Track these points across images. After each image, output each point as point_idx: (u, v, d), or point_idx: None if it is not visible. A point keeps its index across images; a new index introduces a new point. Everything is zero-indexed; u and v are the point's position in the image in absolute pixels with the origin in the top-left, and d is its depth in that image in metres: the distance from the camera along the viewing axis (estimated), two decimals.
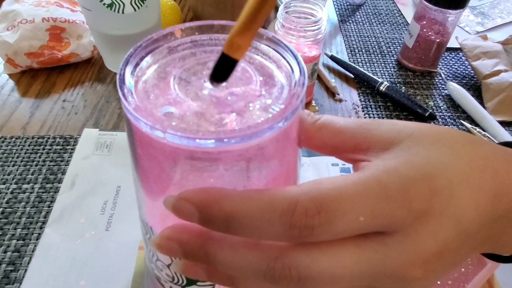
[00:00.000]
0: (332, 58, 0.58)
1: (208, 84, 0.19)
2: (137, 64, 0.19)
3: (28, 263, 0.34)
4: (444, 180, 0.17)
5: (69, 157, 0.43)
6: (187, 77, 0.19)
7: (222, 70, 0.18)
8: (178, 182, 0.18)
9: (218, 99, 0.18)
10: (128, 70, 0.18)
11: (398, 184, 0.17)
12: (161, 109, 0.18)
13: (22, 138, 0.45)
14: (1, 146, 0.44)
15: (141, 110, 0.17)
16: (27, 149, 0.43)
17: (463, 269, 0.35)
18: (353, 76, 0.56)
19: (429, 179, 0.17)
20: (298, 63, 0.19)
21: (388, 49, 0.62)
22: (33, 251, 0.35)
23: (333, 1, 0.72)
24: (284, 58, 0.20)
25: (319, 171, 0.42)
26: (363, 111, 0.51)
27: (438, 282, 0.34)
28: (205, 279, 0.20)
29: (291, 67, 0.20)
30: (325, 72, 0.56)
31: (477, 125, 0.50)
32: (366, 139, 0.19)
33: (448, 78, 0.57)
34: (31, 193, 0.39)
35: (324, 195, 0.16)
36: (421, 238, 0.17)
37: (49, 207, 0.38)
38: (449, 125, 0.51)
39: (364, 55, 0.61)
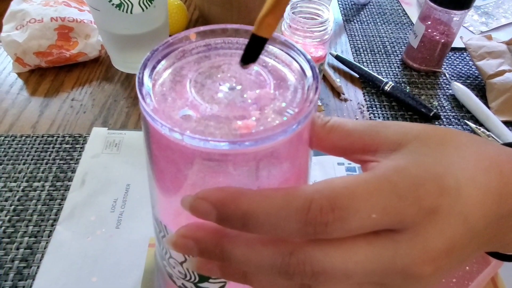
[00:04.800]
0: (337, 57, 0.58)
1: (223, 87, 0.19)
2: (154, 68, 0.20)
3: (41, 260, 0.35)
4: (451, 179, 0.18)
5: (78, 156, 0.43)
6: (202, 81, 0.20)
7: (253, 50, 0.19)
8: (194, 183, 0.19)
9: (233, 102, 0.19)
10: (146, 73, 0.19)
11: (408, 183, 0.17)
12: (178, 112, 0.18)
13: (32, 136, 0.45)
14: (12, 144, 0.44)
15: (159, 112, 0.17)
16: (37, 148, 0.44)
17: (467, 268, 0.35)
18: (358, 76, 0.57)
19: (438, 178, 0.18)
20: (311, 67, 0.20)
21: (393, 49, 0.63)
22: (45, 248, 0.35)
23: (338, 1, 0.72)
24: (297, 62, 0.21)
25: (325, 170, 0.43)
26: (368, 110, 0.52)
27: (443, 280, 0.34)
28: (219, 276, 0.20)
29: (303, 70, 0.20)
30: (331, 72, 0.56)
31: (481, 125, 0.51)
32: (375, 141, 0.20)
33: (452, 78, 0.58)
34: (42, 191, 0.40)
35: (338, 193, 0.16)
36: (430, 236, 0.17)
37: (59, 205, 0.39)
38: (453, 125, 0.51)
39: (369, 54, 0.61)
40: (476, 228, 0.19)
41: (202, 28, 0.21)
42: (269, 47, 0.22)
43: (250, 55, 0.19)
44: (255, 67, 0.21)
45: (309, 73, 0.19)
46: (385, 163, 0.19)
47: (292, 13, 0.45)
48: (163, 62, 0.20)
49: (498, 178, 0.20)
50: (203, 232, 0.19)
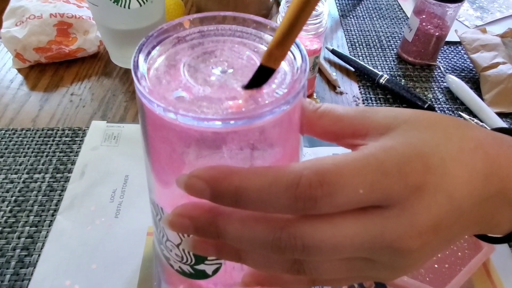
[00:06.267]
0: (333, 52, 0.59)
1: (216, 71, 0.20)
2: (149, 53, 0.20)
3: (41, 248, 0.35)
4: (437, 159, 0.19)
5: (78, 148, 0.44)
6: (195, 65, 0.20)
7: (260, 79, 0.19)
8: (188, 162, 0.20)
9: (225, 84, 0.19)
10: (141, 57, 0.20)
11: (395, 161, 0.18)
12: (172, 93, 0.19)
13: (33, 130, 0.46)
14: (13, 138, 0.45)
15: (154, 93, 0.18)
16: (38, 141, 0.45)
17: (459, 253, 0.36)
18: (353, 70, 0.57)
19: (423, 157, 0.18)
20: (300, 51, 0.20)
21: (388, 42, 0.63)
22: (45, 237, 0.36)
23: None
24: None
25: None
26: (363, 103, 0.53)
27: (436, 266, 0.35)
28: (214, 255, 0.21)
29: (293, 55, 0.21)
30: (326, 66, 0.57)
31: (475, 116, 0.51)
32: (364, 125, 0.21)
33: (447, 71, 0.58)
34: (42, 182, 0.41)
35: (326, 169, 0.17)
36: (417, 211, 0.18)
37: (60, 195, 0.40)
38: None
39: (365, 49, 0.62)
40: (462, 207, 0.19)
41: (196, 16, 0.22)
42: (261, 33, 0.22)
43: (256, 82, 0.19)
44: (247, 52, 0.21)
45: (298, 56, 0.20)
46: (373, 144, 0.19)
47: (287, 6, 0.46)
48: (158, 47, 0.21)
49: (484, 159, 0.20)
50: (198, 210, 0.19)
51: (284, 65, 0.21)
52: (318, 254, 0.18)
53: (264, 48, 0.22)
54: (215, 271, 0.25)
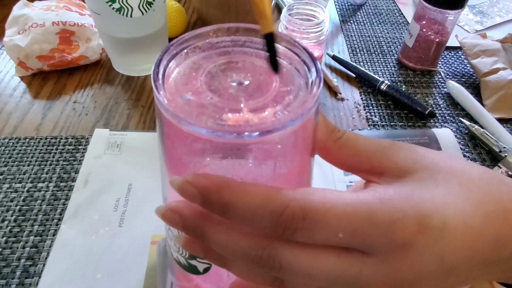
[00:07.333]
0: (334, 58, 0.59)
1: (232, 82, 0.21)
2: (176, 54, 0.21)
3: (46, 258, 0.36)
4: (438, 220, 0.18)
5: (81, 157, 0.44)
6: (215, 72, 0.21)
7: (270, 46, 0.20)
8: (195, 165, 0.20)
9: (235, 97, 0.20)
10: (166, 57, 0.20)
11: (387, 215, 0.18)
12: (183, 95, 0.19)
13: (36, 138, 0.46)
14: (16, 146, 0.45)
15: (166, 93, 0.19)
16: (41, 149, 0.45)
17: None
18: (354, 76, 0.58)
19: (421, 215, 0.18)
20: (315, 65, 0.20)
21: (389, 48, 0.64)
22: (50, 247, 0.36)
23: (335, 1, 0.73)
24: (302, 60, 0.21)
25: (322, 169, 0.44)
26: (364, 109, 0.53)
27: None
28: (201, 255, 0.22)
29: (308, 68, 0.21)
30: (327, 72, 0.57)
31: (475, 122, 0.52)
32: (382, 164, 0.21)
33: (447, 76, 0.59)
34: (46, 191, 0.41)
35: (313, 206, 0.18)
36: (397, 266, 0.18)
37: (64, 204, 0.40)
38: (448, 123, 0.52)
39: (365, 54, 0.62)
40: (457, 268, 0.19)
41: (232, 25, 0.22)
42: (286, 50, 0.22)
43: (271, 52, 0.21)
44: (262, 65, 0.22)
45: (313, 70, 0.20)
46: (377, 188, 0.19)
47: (289, 14, 0.46)
48: (186, 50, 0.22)
49: (500, 223, 0.19)
50: (190, 210, 0.20)
51: (298, 79, 0.21)
52: (295, 278, 0.19)
53: (285, 63, 0.22)
54: (206, 270, 0.26)
